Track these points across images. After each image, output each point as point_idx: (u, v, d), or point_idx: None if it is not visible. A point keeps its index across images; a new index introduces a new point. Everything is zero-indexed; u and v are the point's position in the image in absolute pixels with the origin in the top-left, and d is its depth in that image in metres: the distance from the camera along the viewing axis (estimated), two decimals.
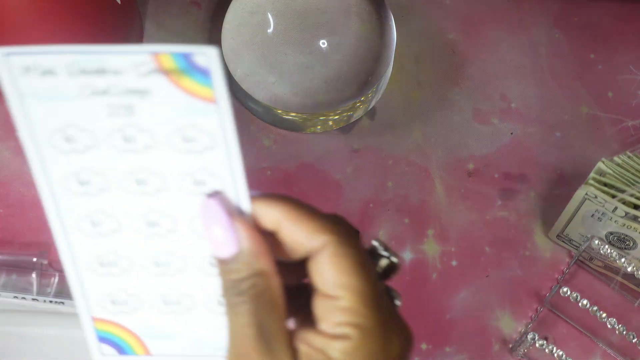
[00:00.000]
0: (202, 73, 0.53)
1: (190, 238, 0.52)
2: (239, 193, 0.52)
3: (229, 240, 0.45)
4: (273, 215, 0.45)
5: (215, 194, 0.49)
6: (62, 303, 0.74)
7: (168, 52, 0.52)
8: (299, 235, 0.44)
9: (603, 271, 0.76)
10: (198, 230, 0.51)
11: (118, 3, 0.77)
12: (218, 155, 0.55)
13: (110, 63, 0.54)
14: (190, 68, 0.53)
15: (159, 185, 0.54)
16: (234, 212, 0.47)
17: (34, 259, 0.76)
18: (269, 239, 0.45)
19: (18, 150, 0.81)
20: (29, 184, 0.80)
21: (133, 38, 0.83)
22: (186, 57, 0.52)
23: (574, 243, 0.76)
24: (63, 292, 0.76)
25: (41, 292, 0.75)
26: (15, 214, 0.79)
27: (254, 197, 0.48)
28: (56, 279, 0.76)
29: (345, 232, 0.46)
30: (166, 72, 0.53)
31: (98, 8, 0.75)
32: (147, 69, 0.54)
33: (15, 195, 0.80)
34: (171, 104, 0.54)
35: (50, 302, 0.74)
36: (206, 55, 0.52)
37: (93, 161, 0.55)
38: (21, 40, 0.73)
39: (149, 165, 0.54)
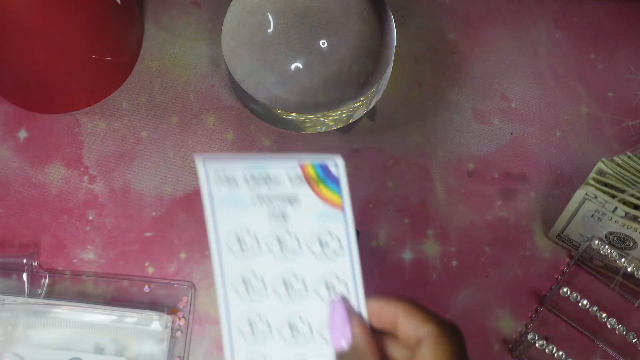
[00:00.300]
0: (334, 181, 0.62)
1: (322, 345, 0.59)
2: (359, 295, 0.60)
3: (346, 336, 0.55)
4: (392, 312, 0.54)
5: (340, 297, 0.57)
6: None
7: (310, 162, 0.61)
8: (410, 326, 0.53)
9: (603, 271, 0.76)
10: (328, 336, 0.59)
11: (118, 3, 0.77)
12: (344, 260, 0.62)
13: (272, 171, 0.62)
14: (326, 177, 0.62)
15: (301, 290, 0.62)
16: (353, 312, 0.56)
17: (24, 260, 0.76)
18: (379, 337, 0.54)
19: (18, 150, 0.81)
20: (29, 184, 0.80)
21: (133, 38, 0.83)
22: (323, 167, 0.62)
23: (573, 243, 0.76)
24: (53, 294, 0.76)
25: (32, 293, 0.75)
26: (15, 214, 0.79)
27: (372, 298, 0.56)
28: (46, 280, 0.76)
29: (446, 324, 0.53)
30: (309, 180, 0.63)
31: (98, 8, 0.75)
32: (297, 177, 0.63)
33: (15, 195, 0.80)
34: (312, 210, 0.63)
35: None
36: (337, 166, 0.61)
37: (255, 265, 0.64)
38: (21, 40, 0.73)
39: (294, 269, 0.62)
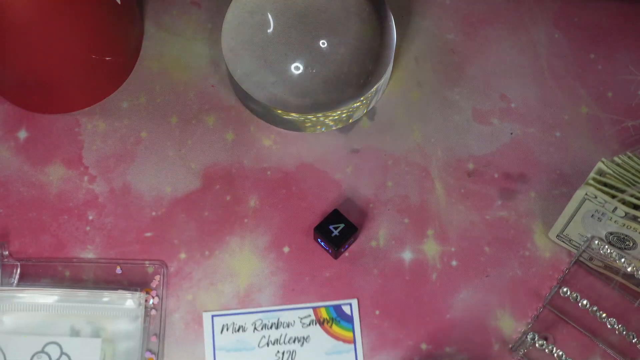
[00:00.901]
0: (346, 320, 0.74)
1: None
2: None
3: None
4: None
5: None
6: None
7: (324, 306, 0.73)
8: None
9: (603, 271, 0.76)
10: None
11: (118, 3, 0.77)
12: None
13: (284, 318, 0.73)
14: (339, 317, 0.74)
15: None
16: None
17: None
18: None
19: (18, 150, 0.81)
20: (29, 184, 0.80)
21: (133, 38, 0.83)
22: (336, 308, 0.74)
23: (573, 243, 0.76)
24: (26, 281, 0.76)
25: (4, 283, 0.76)
26: (15, 214, 0.79)
27: None
28: (18, 269, 0.77)
29: None
30: (321, 321, 0.74)
31: (98, 8, 0.75)
32: (309, 320, 0.74)
33: (15, 195, 0.80)
34: (323, 348, 0.73)
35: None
36: (350, 306, 0.73)
37: None
38: (21, 40, 0.73)
39: None
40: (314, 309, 0.74)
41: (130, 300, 0.74)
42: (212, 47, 0.84)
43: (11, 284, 0.76)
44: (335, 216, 0.76)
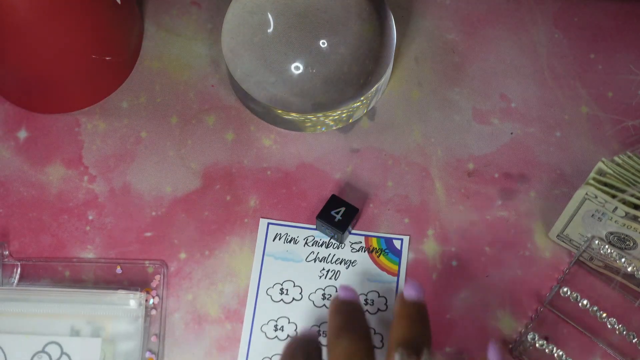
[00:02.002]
0: (395, 254, 0.76)
1: None
2: None
3: None
4: None
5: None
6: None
7: (376, 236, 0.77)
8: None
9: (603, 271, 0.76)
10: None
11: (118, 3, 0.77)
12: (385, 316, 0.74)
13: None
14: (388, 249, 0.76)
15: None
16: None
17: None
18: None
19: (18, 150, 0.81)
20: (29, 184, 0.80)
21: (133, 38, 0.83)
22: (387, 241, 0.77)
23: (574, 243, 0.76)
24: (26, 281, 0.76)
25: (4, 283, 0.76)
26: (15, 214, 0.79)
27: None
28: (18, 269, 0.77)
29: None
30: (370, 249, 0.76)
31: (98, 8, 0.75)
32: (359, 247, 0.77)
33: (15, 195, 0.80)
34: (367, 274, 0.75)
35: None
36: (402, 241, 0.76)
37: (291, 313, 0.75)
38: (21, 40, 0.73)
39: None
40: (366, 237, 0.77)
41: (130, 301, 0.74)
42: (212, 47, 0.84)
43: (11, 284, 0.76)
44: (334, 201, 0.76)
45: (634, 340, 0.72)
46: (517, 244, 0.78)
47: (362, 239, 0.77)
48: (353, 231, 0.78)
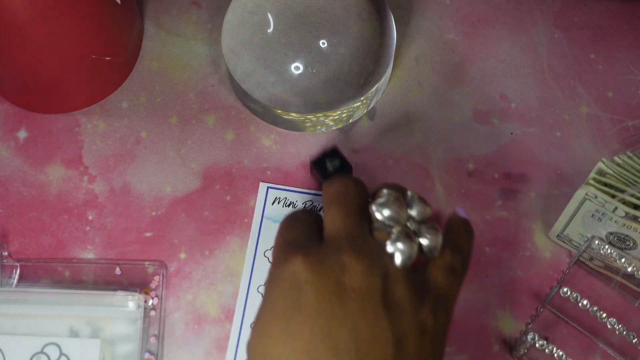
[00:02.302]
0: None
1: None
2: None
3: None
4: None
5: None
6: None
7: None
8: None
9: (603, 271, 0.76)
10: None
11: (118, 3, 0.77)
12: None
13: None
14: None
15: None
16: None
17: None
18: None
19: (18, 150, 0.81)
20: (29, 184, 0.80)
21: (133, 38, 0.83)
22: None
23: (574, 243, 0.76)
24: (25, 282, 0.76)
25: (3, 283, 0.76)
26: (14, 214, 0.79)
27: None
28: (18, 270, 0.77)
29: None
30: None
31: (98, 8, 0.75)
32: None
33: (15, 195, 0.80)
34: None
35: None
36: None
37: None
38: (21, 40, 0.73)
39: None
40: None
41: (130, 302, 0.74)
42: (212, 47, 0.84)
43: (10, 285, 0.76)
44: (333, 152, 0.78)
45: (634, 341, 0.72)
46: (517, 244, 0.78)
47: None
48: None
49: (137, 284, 0.77)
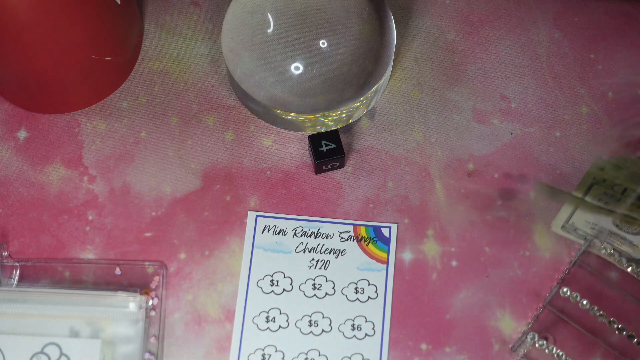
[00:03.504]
0: (384, 242, 0.77)
1: None
2: (384, 335, 0.74)
3: None
4: None
5: None
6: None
7: (365, 225, 0.77)
8: None
9: (610, 260, 0.76)
10: None
11: (118, 3, 0.77)
12: (377, 304, 0.75)
13: (324, 230, 0.77)
14: (377, 237, 0.77)
15: (326, 328, 0.74)
16: None
17: None
18: None
19: (18, 150, 0.81)
20: (29, 184, 0.80)
21: (133, 38, 0.83)
22: (376, 229, 0.77)
23: (579, 232, 0.76)
24: (26, 282, 0.76)
25: (4, 283, 0.76)
26: (14, 214, 0.79)
27: None
28: (18, 270, 0.77)
29: None
30: (359, 238, 0.77)
31: (98, 8, 0.75)
32: (347, 235, 0.77)
33: (15, 195, 0.80)
34: (356, 263, 0.76)
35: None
36: (390, 229, 0.77)
37: (282, 304, 0.76)
38: (21, 40, 0.73)
39: (323, 310, 0.75)
40: (354, 226, 0.78)
41: (131, 303, 0.74)
42: (212, 47, 0.84)
43: (10, 285, 0.76)
44: (332, 135, 0.78)
45: (634, 341, 0.72)
46: (517, 244, 0.78)
47: (351, 227, 0.78)
48: (341, 220, 0.78)
49: (137, 284, 0.77)
